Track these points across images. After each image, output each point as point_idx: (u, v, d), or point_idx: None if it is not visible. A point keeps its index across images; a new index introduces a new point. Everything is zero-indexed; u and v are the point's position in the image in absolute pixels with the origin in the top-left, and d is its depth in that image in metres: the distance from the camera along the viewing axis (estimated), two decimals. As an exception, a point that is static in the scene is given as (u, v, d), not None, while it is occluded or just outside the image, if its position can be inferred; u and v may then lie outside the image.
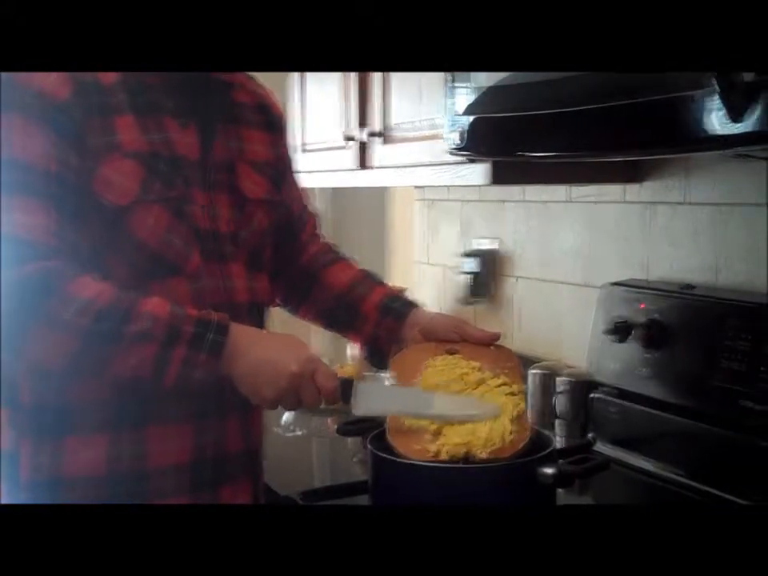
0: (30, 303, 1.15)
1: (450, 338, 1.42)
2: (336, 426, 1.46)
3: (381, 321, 1.47)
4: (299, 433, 1.92)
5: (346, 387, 1.26)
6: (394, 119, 1.95)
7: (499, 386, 1.32)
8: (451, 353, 1.39)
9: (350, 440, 1.71)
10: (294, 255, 1.55)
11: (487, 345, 1.42)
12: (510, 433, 1.24)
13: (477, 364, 1.36)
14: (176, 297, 1.25)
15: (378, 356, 1.50)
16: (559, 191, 1.99)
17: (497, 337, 1.43)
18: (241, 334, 1.23)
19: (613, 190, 1.84)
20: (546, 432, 1.35)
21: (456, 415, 1.26)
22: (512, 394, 1.30)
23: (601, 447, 1.65)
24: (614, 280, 1.74)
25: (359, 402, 1.27)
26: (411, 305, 1.49)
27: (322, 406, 1.26)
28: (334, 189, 3.17)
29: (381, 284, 1.54)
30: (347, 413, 1.86)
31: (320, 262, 1.56)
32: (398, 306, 1.48)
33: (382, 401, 1.29)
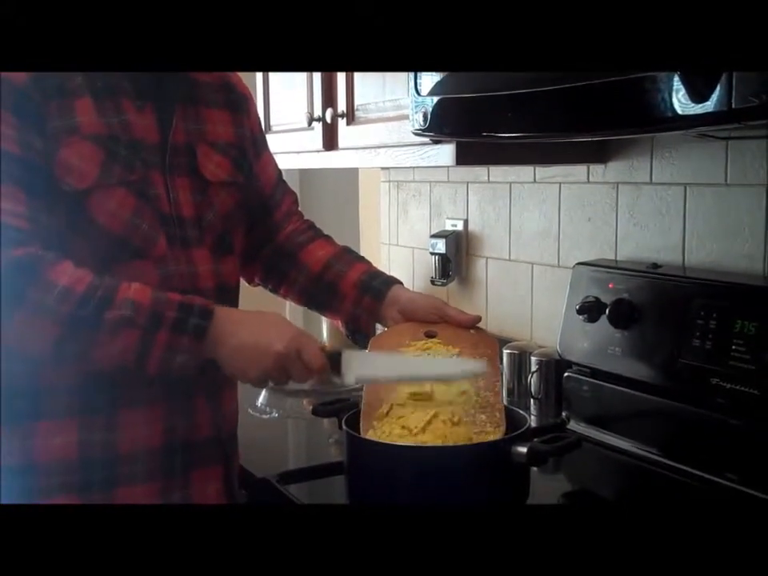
0: (12, 289, 1.13)
1: (430, 319, 1.40)
2: (311, 407, 1.45)
3: (359, 299, 1.44)
4: (275, 414, 1.91)
5: (334, 360, 1.25)
6: (358, 100, 1.94)
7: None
8: (430, 336, 1.38)
9: (325, 421, 1.71)
10: (269, 235, 1.53)
11: (467, 328, 1.40)
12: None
13: (455, 350, 1.35)
14: (143, 282, 1.22)
15: (358, 335, 1.47)
16: (524, 172, 2.01)
17: (477, 320, 1.41)
18: (224, 316, 1.22)
19: (578, 171, 1.86)
20: (521, 411, 1.35)
21: (445, 374, 1.27)
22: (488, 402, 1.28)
23: (575, 426, 1.66)
24: (582, 260, 1.75)
25: (349, 372, 1.26)
26: (391, 282, 1.46)
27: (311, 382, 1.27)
28: (301, 170, 3.15)
29: (361, 261, 1.51)
30: (323, 393, 1.87)
31: (297, 242, 1.53)
32: (377, 284, 1.45)
33: (371, 367, 1.29)
